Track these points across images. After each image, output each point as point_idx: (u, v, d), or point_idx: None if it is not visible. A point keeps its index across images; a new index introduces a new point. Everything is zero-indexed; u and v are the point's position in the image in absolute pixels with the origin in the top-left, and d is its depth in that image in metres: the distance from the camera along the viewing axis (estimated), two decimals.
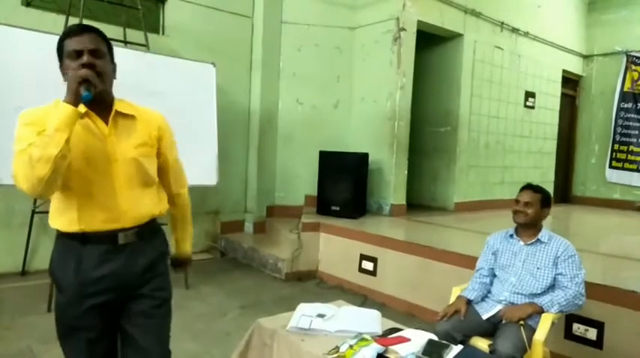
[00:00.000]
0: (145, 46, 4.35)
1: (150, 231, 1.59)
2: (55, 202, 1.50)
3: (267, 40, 5.79)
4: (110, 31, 4.47)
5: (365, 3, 5.89)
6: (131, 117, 1.59)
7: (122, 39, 4.44)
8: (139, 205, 1.54)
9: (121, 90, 4.55)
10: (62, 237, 1.50)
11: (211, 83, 4.54)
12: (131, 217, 1.51)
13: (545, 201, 2.47)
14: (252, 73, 5.86)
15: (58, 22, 4.21)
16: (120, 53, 4.06)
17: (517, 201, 2.49)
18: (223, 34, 5.55)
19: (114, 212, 1.48)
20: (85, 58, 1.42)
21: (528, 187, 2.53)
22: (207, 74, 4.54)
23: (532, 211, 2.43)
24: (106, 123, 1.51)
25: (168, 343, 1.66)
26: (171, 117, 4.61)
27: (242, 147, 5.85)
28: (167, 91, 4.24)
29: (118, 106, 1.56)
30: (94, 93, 1.38)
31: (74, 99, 1.35)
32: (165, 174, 1.71)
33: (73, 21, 4.10)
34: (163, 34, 5.19)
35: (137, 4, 4.40)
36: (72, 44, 1.44)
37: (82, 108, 1.40)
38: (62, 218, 1.48)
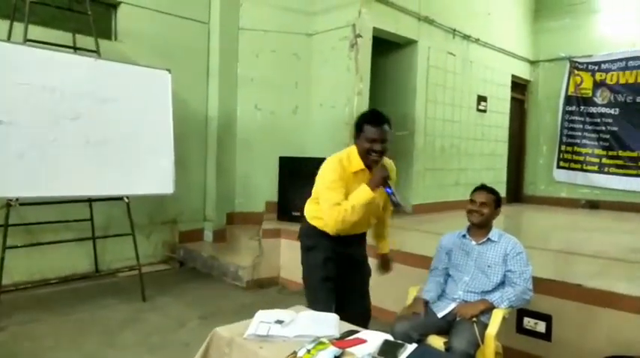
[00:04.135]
0: (96, 52, 4.22)
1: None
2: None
3: (224, 46, 5.75)
4: (58, 36, 4.34)
5: (321, 10, 5.95)
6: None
7: (71, 45, 4.30)
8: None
9: (71, 98, 4.40)
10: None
11: (166, 90, 4.45)
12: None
13: (497, 201, 2.57)
14: (210, 80, 5.80)
15: (1, 27, 4.03)
16: (69, 59, 4.00)
17: (472, 201, 2.55)
18: (179, 40, 5.46)
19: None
20: (379, 146, 2.29)
21: (483, 188, 2.60)
22: (162, 81, 4.44)
23: (487, 211, 2.51)
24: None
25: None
26: (125, 124, 4.53)
27: (200, 154, 5.76)
28: (120, 99, 4.14)
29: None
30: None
31: (375, 188, 2.22)
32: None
33: (18, 26, 3.94)
34: (116, 39, 5.06)
35: (86, 9, 4.26)
36: (371, 133, 2.29)
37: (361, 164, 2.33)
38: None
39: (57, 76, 3.78)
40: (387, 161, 2.46)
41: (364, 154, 2.29)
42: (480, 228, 2.55)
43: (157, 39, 5.25)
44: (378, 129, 2.27)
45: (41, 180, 3.69)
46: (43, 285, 4.21)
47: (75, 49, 4.28)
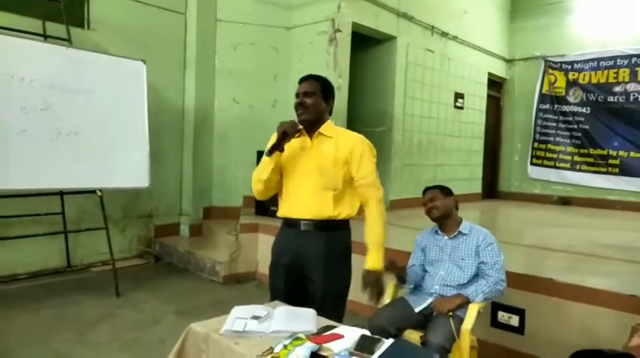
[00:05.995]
0: (68, 41, 4.09)
1: (326, 226, 2.16)
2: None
3: (202, 37, 5.65)
4: (27, 24, 4.19)
5: (300, 3, 5.91)
6: (329, 137, 2.16)
7: (41, 32, 4.15)
8: (316, 203, 2.15)
9: (41, 87, 4.28)
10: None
11: (141, 81, 4.35)
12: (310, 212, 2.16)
13: (444, 191, 2.64)
14: (186, 71, 5.69)
15: None
16: (39, 48, 3.86)
17: (424, 203, 2.64)
18: (154, 30, 5.34)
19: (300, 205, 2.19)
20: (297, 100, 2.16)
21: (426, 189, 2.70)
22: (136, 71, 4.35)
23: (439, 203, 2.58)
24: (311, 139, 2.18)
25: None
26: (98, 116, 4.42)
27: (176, 147, 5.66)
28: (93, 89, 4.03)
29: (322, 129, 2.17)
30: (292, 131, 2.08)
31: (269, 153, 2.11)
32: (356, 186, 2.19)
33: None
34: (89, 28, 4.90)
35: None
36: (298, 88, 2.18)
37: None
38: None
39: (26, 65, 3.65)
40: (349, 134, 2.22)
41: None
42: (444, 220, 2.61)
43: (131, 28, 5.12)
44: (300, 86, 2.19)
45: (10, 172, 3.57)
46: (12, 281, 4.08)
47: (45, 37, 4.14)
